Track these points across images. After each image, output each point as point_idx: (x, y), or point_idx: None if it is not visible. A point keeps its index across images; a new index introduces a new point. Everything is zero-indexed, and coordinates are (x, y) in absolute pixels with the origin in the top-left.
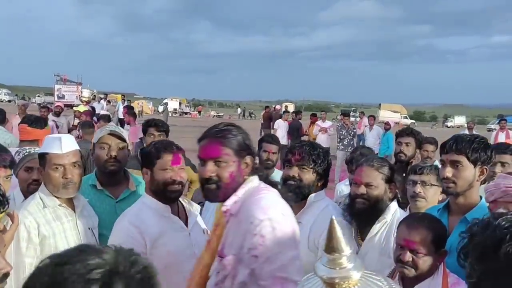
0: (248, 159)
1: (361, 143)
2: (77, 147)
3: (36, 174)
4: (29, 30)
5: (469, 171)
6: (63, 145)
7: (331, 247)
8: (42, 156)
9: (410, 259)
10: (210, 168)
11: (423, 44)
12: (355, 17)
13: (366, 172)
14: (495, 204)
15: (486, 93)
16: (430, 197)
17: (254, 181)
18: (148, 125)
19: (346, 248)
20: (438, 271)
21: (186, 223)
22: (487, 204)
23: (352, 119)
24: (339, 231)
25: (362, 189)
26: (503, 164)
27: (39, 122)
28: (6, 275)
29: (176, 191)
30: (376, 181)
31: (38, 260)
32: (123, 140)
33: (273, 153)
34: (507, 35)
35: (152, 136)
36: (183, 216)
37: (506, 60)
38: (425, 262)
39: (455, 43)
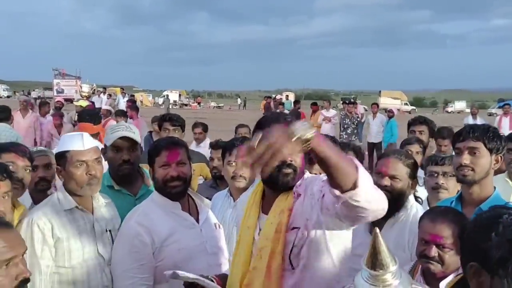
0: None
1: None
2: (96, 144)
3: (41, 171)
4: (27, 24)
5: (486, 158)
6: (85, 141)
7: (375, 262)
8: (62, 155)
9: (436, 254)
10: None
11: (422, 29)
12: (353, 3)
13: (393, 164)
14: None
15: (486, 78)
16: (452, 188)
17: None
18: (163, 119)
19: (391, 263)
20: None
21: (197, 219)
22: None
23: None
24: (383, 245)
25: (387, 181)
26: None
27: (96, 117)
28: (26, 280)
29: (176, 187)
30: (402, 174)
31: (53, 263)
32: (135, 142)
33: None
34: (506, 18)
35: (167, 131)
36: (194, 211)
37: (506, 43)
38: (451, 257)
39: (455, 27)
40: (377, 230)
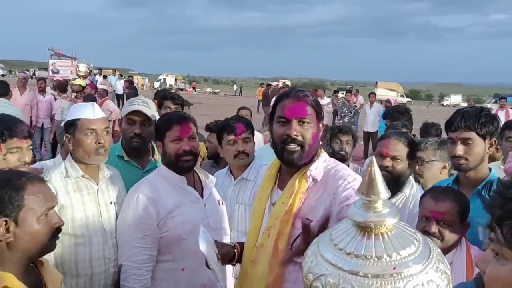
0: (322, 123)
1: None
2: (105, 115)
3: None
4: (22, 3)
5: (480, 146)
6: (96, 110)
7: (369, 189)
8: (72, 123)
9: (437, 230)
10: (296, 128)
11: (420, 21)
12: None
13: (393, 145)
14: None
15: (481, 72)
16: (429, 174)
17: (324, 153)
18: (164, 97)
19: (384, 191)
20: (461, 244)
21: (201, 194)
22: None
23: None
24: (379, 174)
25: (388, 162)
26: None
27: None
28: (59, 229)
29: (188, 161)
30: (402, 155)
31: None
32: (149, 117)
33: None
34: (504, 13)
35: (168, 109)
36: (199, 187)
37: (503, 38)
38: (451, 233)
39: (453, 21)
40: (373, 159)
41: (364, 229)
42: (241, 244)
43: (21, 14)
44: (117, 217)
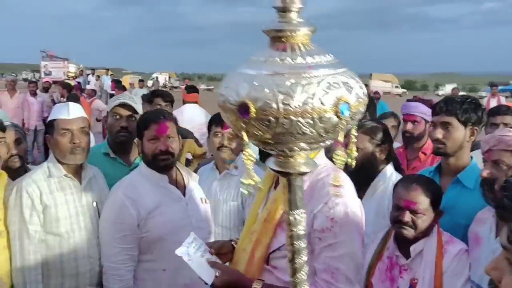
0: None
1: None
2: (85, 115)
3: (12, 148)
4: (12, 5)
5: (459, 132)
6: (71, 110)
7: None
8: (51, 124)
9: (410, 219)
10: None
11: (413, 12)
12: None
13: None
14: (490, 154)
15: (477, 61)
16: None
17: (321, 158)
18: (155, 95)
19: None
20: (433, 231)
21: (184, 193)
22: (482, 156)
23: None
24: None
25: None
26: (505, 125)
27: (194, 88)
28: None
29: (164, 160)
30: (363, 144)
31: (42, 229)
32: (135, 111)
33: None
34: (498, 1)
35: (158, 107)
36: (181, 185)
37: (497, 27)
38: (423, 222)
39: (446, 10)
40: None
41: (279, 39)
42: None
43: (13, 17)
44: (99, 216)
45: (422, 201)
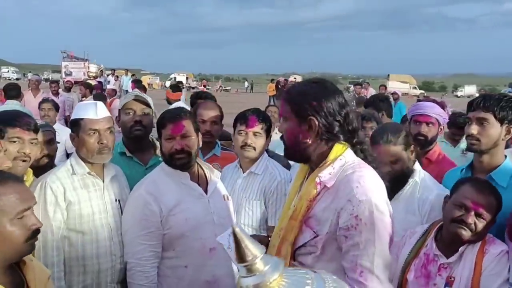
0: (312, 121)
1: None
2: (110, 114)
3: (44, 148)
4: (34, 7)
5: (495, 129)
6: (98, 110)
7: (241, 258)
8: (76, 122)
9: (473, 222)
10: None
11: (432, 12)
12: None
13: (385, 152)
14: None
15: (496, 62)
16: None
17: (349, 155)
18: (198, 97)
19: (256, 252)
20: None
21: (206, 190)
22: None
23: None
24: (245, 239)
25: (388, 167)
26: None
27: (178, 87)
28: (37, 231)
29: (181, 159)
30: (397, 154)
31: (65, 225)
32: (148, 105)
33: None
34: None
35: None
36: (203, 182)
37: None
38: (484, 227)
39: (465, 10)
40: (236, 228)
41: None
42: None
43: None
44: (122, 214)
45: (490, 206)
